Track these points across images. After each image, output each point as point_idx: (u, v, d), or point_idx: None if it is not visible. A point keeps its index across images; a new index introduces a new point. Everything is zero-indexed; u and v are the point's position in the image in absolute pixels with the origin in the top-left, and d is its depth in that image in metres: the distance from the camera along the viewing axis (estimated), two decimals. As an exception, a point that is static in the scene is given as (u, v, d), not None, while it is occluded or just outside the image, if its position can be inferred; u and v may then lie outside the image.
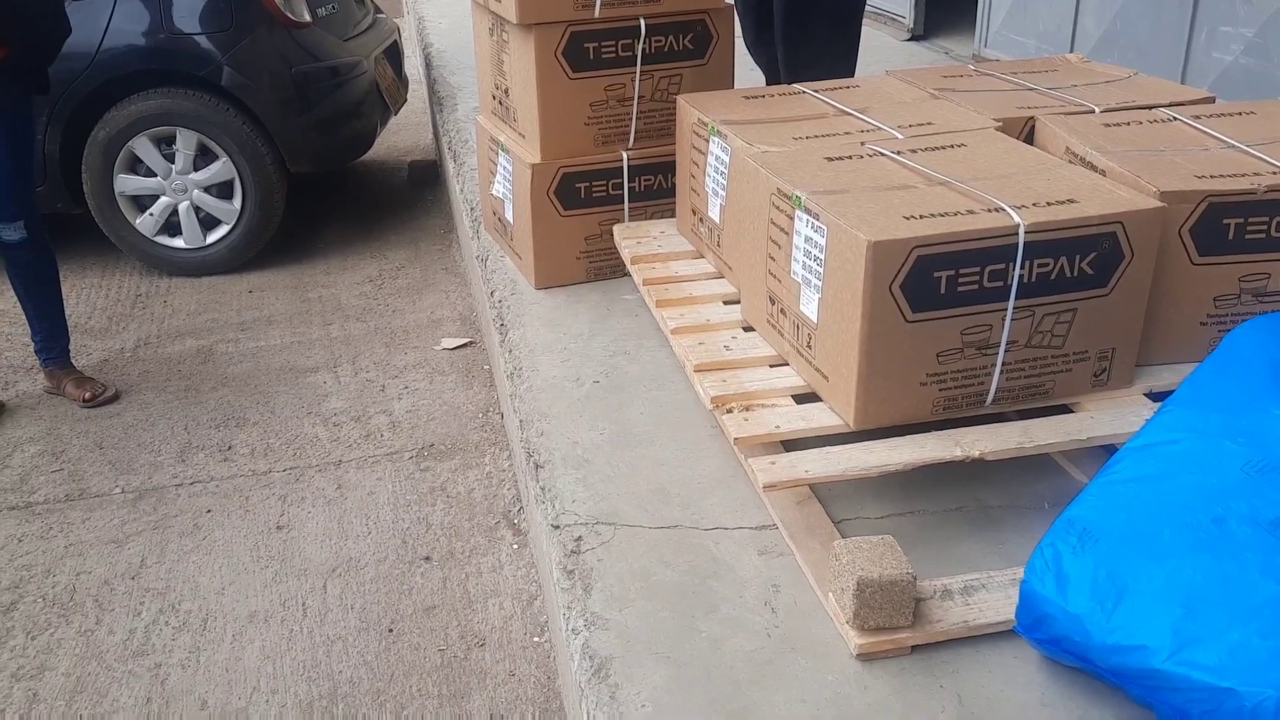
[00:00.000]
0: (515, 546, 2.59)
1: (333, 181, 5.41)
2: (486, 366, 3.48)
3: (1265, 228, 1.95)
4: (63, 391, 3.34)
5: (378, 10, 5.21)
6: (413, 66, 6.36)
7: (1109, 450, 1.88)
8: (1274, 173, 1.97)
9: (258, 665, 2.25)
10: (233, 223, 4.22)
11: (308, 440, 3.09)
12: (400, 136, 6.15)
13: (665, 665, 1.63)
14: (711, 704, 1.55)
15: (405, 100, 5.25)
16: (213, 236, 4.25)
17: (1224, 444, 1.52)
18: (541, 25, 2.65)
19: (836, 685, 1.58)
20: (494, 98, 3.03)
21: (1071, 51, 4.32)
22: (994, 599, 1.67)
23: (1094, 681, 1.53)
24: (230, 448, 3.06)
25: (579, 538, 1.92)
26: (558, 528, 1.97)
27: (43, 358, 3.38)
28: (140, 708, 2.14)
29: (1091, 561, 1.48)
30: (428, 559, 2.57)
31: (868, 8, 5.19)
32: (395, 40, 5.21)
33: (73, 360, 3.44)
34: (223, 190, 4.17)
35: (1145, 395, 2.00)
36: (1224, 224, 1.94)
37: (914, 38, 5.53)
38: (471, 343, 3.67)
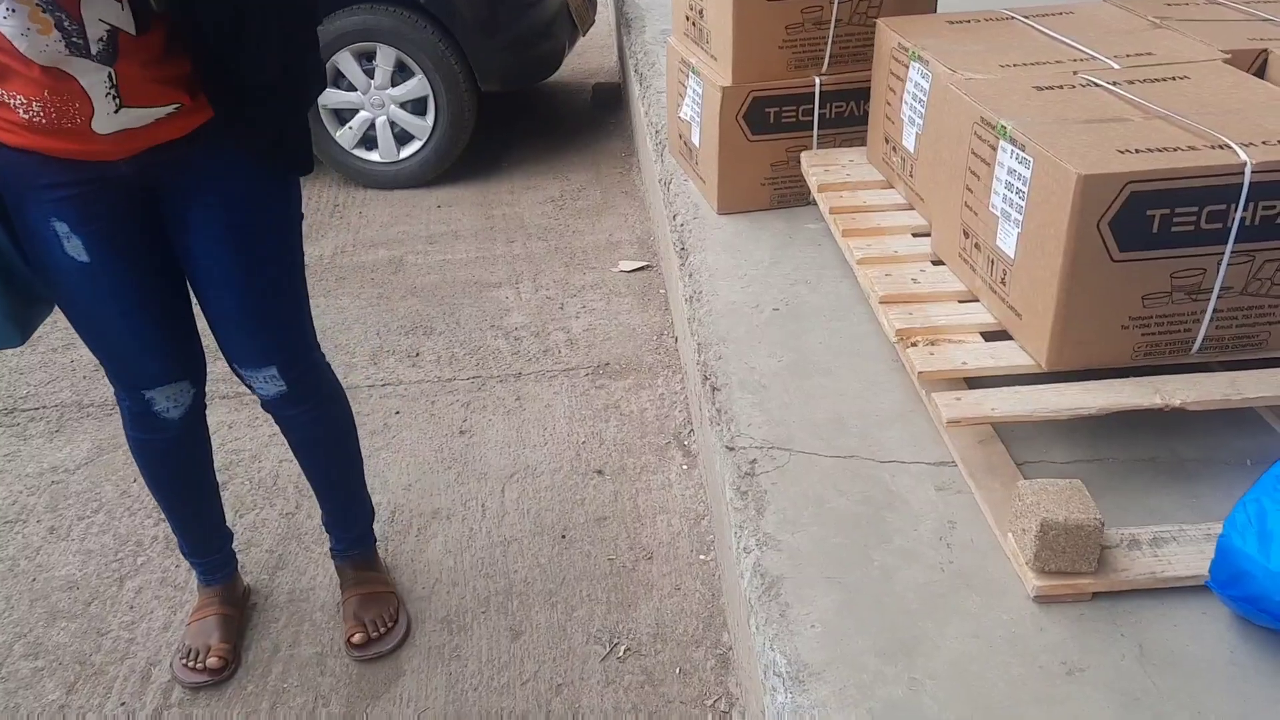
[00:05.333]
0: (684, 467, 2.64)
1: (519, 102, 5.51)
2: (662, 291, 3.52)
3: None
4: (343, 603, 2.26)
5: (570, -70, 5.24)
6: (600, -12, 6.37)
7: (1325, 409, 1.77)
8: None
9: (440, 559, 2.39)
10: (425, 138, 4.37)
11: (490, 351, 3.21)
12: (585, 59, 6.19)
13: (836, 590, 1.65)
14: (882, 631, 1.56)
15: (593, 22, 5.27)
16: (406, 151, 4.41)
17: None
18: (740, -55, 2.61)
19: (1011, 625, 1.56)
20: (687, 18, 3.01)
21: (1310, -20, 3.96)
22: (1185, 553, 1.60)
23: (1290, 646, 1.47)
24: (418, 354, 3.21)
25: (753, 460, 1.95)
26: (732, 449, 2.00)
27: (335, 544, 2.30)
28: (333, 588, 2.31)
29: (1300, 521, 1.41)
30: (600, 472, 2.65)
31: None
32: (586, -39, 5.22)
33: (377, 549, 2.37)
34: (417, 106, 4.31)
35: (1372, 354, 1.86)
36: None
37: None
38: (648, 266, 3.71)
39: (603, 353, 3.18)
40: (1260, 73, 2.20)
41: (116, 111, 1.60)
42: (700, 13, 2.89)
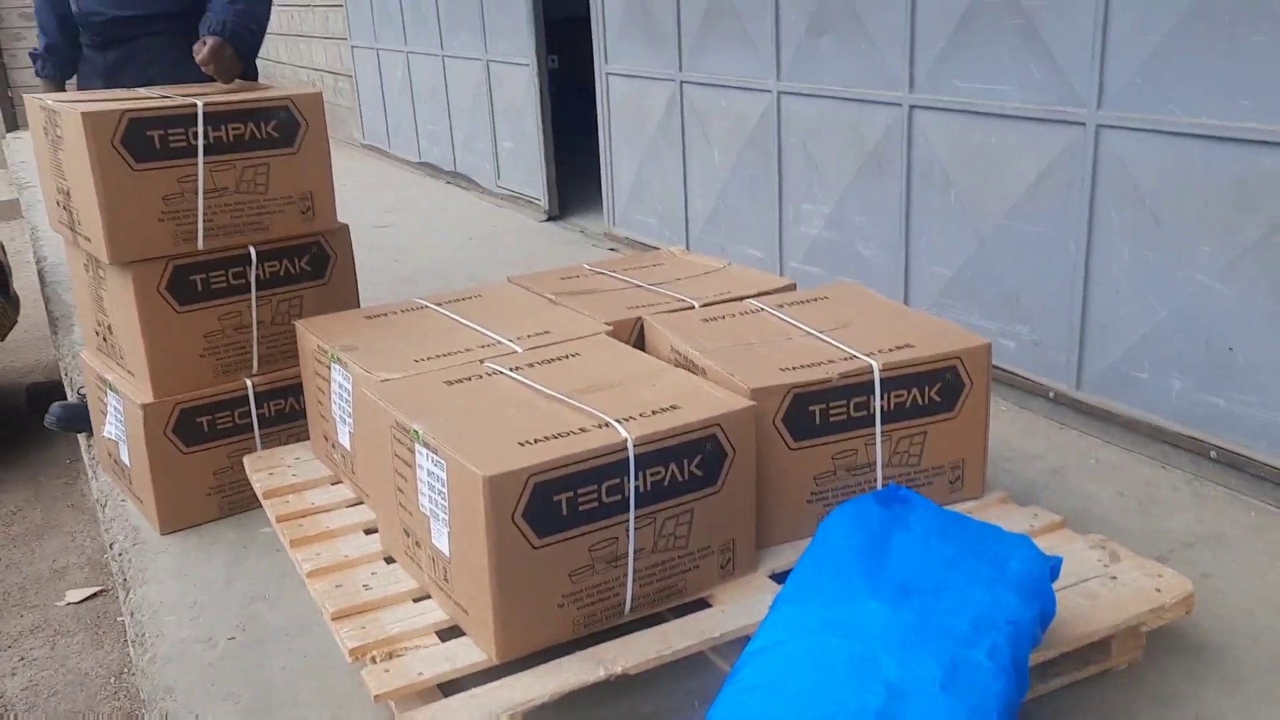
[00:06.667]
0: (157, 838, 2.30)
1: (-69, 418, 4.81)
2: (121, 618, 3.14)
3: (845, 410, 2.15)
4: None
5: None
6: (29, 280, 5.89)
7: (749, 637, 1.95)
8: (845, 359, 2.19)
9: None
10: None
11: (-108, 750, 2.63)
12: (18, 355, 5.61)
13: None
14: None
15: (15, 322, 4.80)
16: None
17: (828, 640, 1.61)
18: (140, 262, 2.51)
19: None
20: (97, 333, 2.83)
21: (687, 228, 4.69)
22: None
23: None
24: None
25: (209, 841, 1.73)
26: (185, 831, 1.76)
27: None
28: None
29: (726, 780, 1.51)
30: None
31: (507, 191, 5.37)
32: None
33: None
34: None
35: (770, 578, 2.10)
36: (810, 410, 2.12)
37: (550, 218, 5.80)
38: (103, 591, 3.31)
39: (46, 715, 2.73)
40: (640, 339, 2.50)
41: None
42: (109, 328, 2.72)
